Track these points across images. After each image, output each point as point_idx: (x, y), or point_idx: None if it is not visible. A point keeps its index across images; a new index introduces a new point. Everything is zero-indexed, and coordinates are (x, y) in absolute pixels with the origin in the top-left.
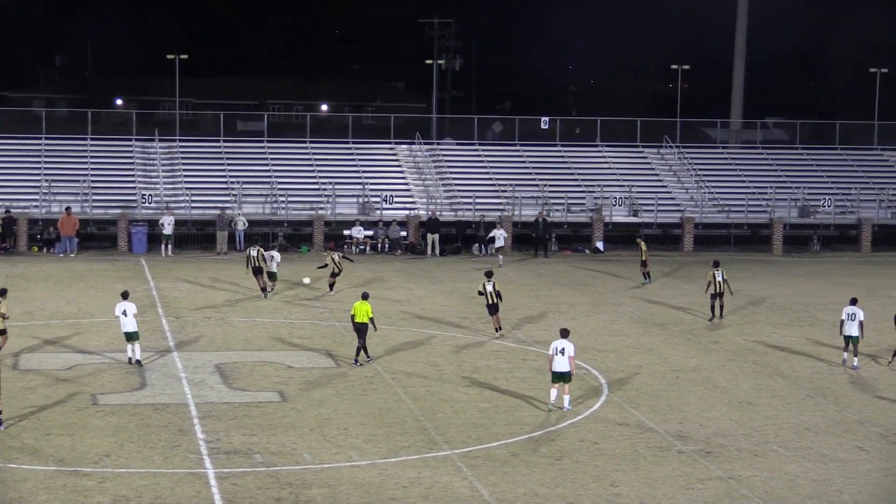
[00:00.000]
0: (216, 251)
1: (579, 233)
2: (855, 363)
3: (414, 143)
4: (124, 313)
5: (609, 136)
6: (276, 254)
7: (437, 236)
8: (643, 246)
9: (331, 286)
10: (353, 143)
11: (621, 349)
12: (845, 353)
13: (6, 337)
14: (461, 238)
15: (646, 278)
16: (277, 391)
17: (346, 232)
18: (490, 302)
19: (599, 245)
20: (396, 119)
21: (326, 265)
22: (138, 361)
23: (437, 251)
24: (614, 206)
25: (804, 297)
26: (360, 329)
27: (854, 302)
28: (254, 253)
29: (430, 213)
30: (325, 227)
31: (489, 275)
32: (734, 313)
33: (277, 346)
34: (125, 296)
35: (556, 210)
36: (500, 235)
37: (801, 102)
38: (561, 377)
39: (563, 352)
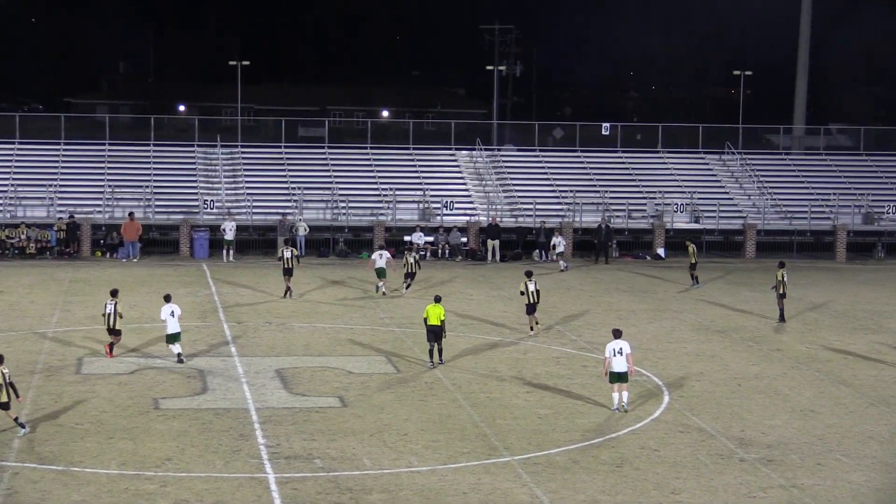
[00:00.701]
0: (277, 257)
1: (640, 239)
2: None
3: (474, 150)
4: (172, 314)
5: (670, 142)
6: (385, 252)
7: (497, 242)
8: (692, 249)
9: (407, 286)
10: (414, 149)
11: (682, 356)
12: None
13: (120, 336)
14: (521, 244)
15: (694, 282)
16: (337, 396)
17: (406, 238)
18: (530, 301)
19: (661, 251)
20: (457, 125)
21: (403, 266)
22: (181, 357)
23: (498, 257)
24: (675, 212)
25: (868, 305)
26: (434, 331)
27: None
28: (287, 254)
29: (490, 219)
30: (386, 234)
31: (529, 274)
32: (796, 320)
33: (338, 352)
34: (168, 298)
35: (617, 216)
36: (560, 242)
37: (865, 108)
38: (619, 377)
39: (620, 352)
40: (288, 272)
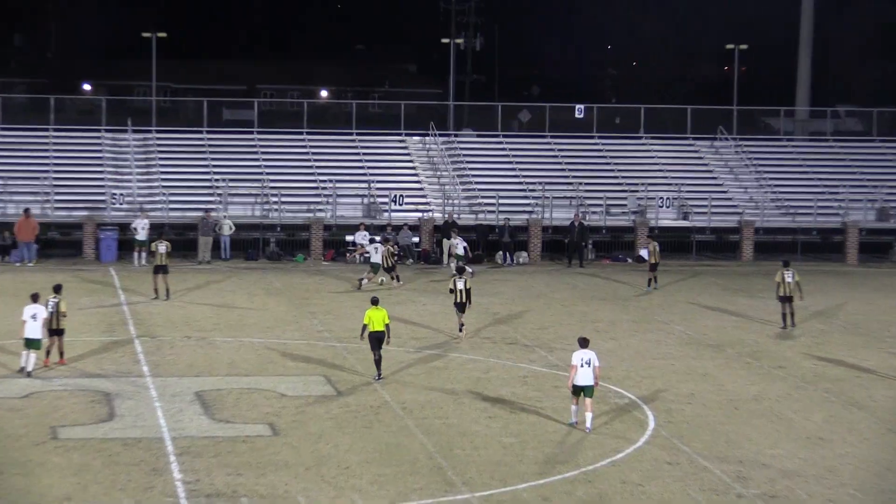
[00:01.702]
0: (198, 260)
1: (620, 239)
2: None
3: (428, 135)
4: (34, 317)
5: (654, 126)
6: (381, 247)
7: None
8: (654, 247)
9: (397, 277)
10: (357, 134)
11: (670, 374)
12: None
13: (62, 337)
14: (483, 245)
15: (649, 285)
16: (268, 423)
17: (348, 238)
18: (459, 300)
19: (643, 253)
20: (407, 107)
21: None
22: (29, 373)
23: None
24: (661, 207)
25: (883, 315)
26: (379, 338)
27: None
28: (162, 249)
29: (446, 215)
30: (325, 232)
31: (461, 271)
32: (801, 332)
33: (268, 371)
34: (35, 298)
35: (594, 212)
36: (459, 244)
37: (878, 88)
38: (584, 390)
39: (589, 363)
40: (161, 270)
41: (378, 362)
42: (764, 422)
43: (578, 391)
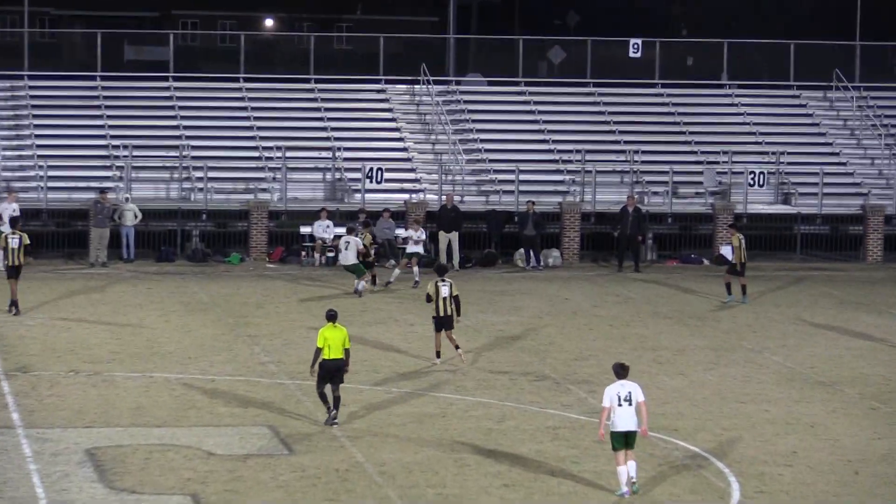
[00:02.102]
0: (90, 261)
1: (693, 231)
2: None
3: (418, 83)
4: None
5: (742, 70)
6: (353, 239)
7: (455, 236)
8: (739, 241)
9: (373, 279)
10: (317, 81)
11: (763, 425)
12: None
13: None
14: (497, 239)
15: (730, 293)
16: (190, 494)
17: (304, 230)
18: (441, 314)
19: (726, 251)
20: (389, 42)
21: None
22: None
23: (456, 260)
24: (752, 186)
25: None
26: (337, 369)
27: None
28: (13, 243)
29: (444, 198)
30: (271, 222)
31: (441, 271)
32: None
33: (190, 419)
34: None
35: (655, 194)
36: (418, 237)
37: None
38: (627, 438)
39: (629, 399)
40: (15, 273)
41: (337, 401)
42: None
43: (621, 442)
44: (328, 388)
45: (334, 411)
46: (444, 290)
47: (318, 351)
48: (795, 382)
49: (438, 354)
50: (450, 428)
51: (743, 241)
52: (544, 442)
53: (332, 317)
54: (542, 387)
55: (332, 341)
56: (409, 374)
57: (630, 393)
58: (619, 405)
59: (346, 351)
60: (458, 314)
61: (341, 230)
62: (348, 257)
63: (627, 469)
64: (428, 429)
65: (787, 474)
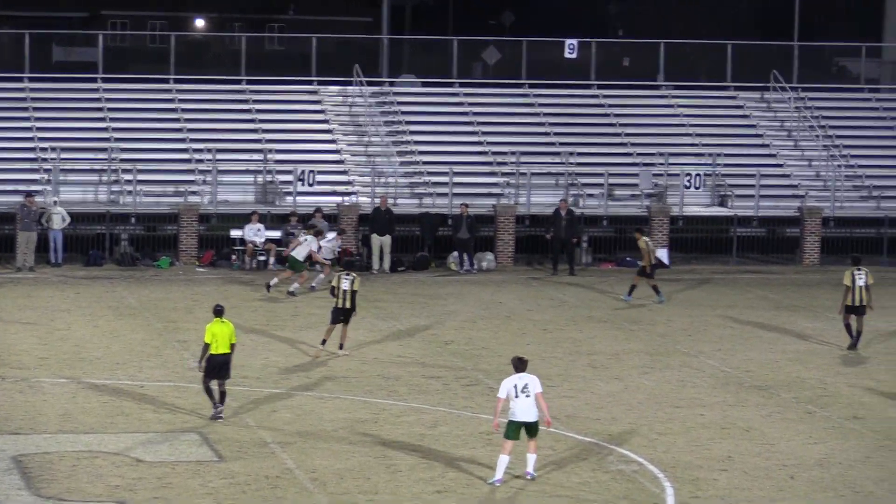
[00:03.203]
0: (16, 265)
1: (628, 234)
2: None
3: (350, 83)
4: None
5: (679, 71)
6: (311, 239)
7: (388, 239)
8: (646, 243)
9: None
10: (249, 82)
11: (698, 430)
12: None
13: None
14: (430, 243)
15: (660, 295)
16: (118, 501)
17: (235, 233)
18: (340, 306)
19: (662, 254)
20: (321, 43)
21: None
22: None
23: (387, 264)
24: (688, 188)
25: None
26: (224, 364)
27: None
28: None
29: (377, 200)
30: (201, 225)
31: (349, 266)
32: (887, 367)
33: (119, 426)
34: None
35: (591, 196)
36: (309, 240)
37: None
38: (529, 429)
39: (526, 390)
40: None
41: (223, 396)
42: (831, 497)
43: (516, 432)
44: (215, 384)
45: (220, 406)
46: (346, 284)
47: (206, 346)
48: (731, 386)
49: (324, 342)
50: (382, 433)
51: (650, 244)
52: (477, 447)
53: (218, 312)
54: (476, 391)
55: (219, 337)
56: (340, 378)
57: (527, 385)
58: (517, 396)
59: (233, 346)
60: (355, 309)
61: (274, 233)
62: (300, 252)
63: (507, 459)
64: (360, 434)
65: (722, 479)
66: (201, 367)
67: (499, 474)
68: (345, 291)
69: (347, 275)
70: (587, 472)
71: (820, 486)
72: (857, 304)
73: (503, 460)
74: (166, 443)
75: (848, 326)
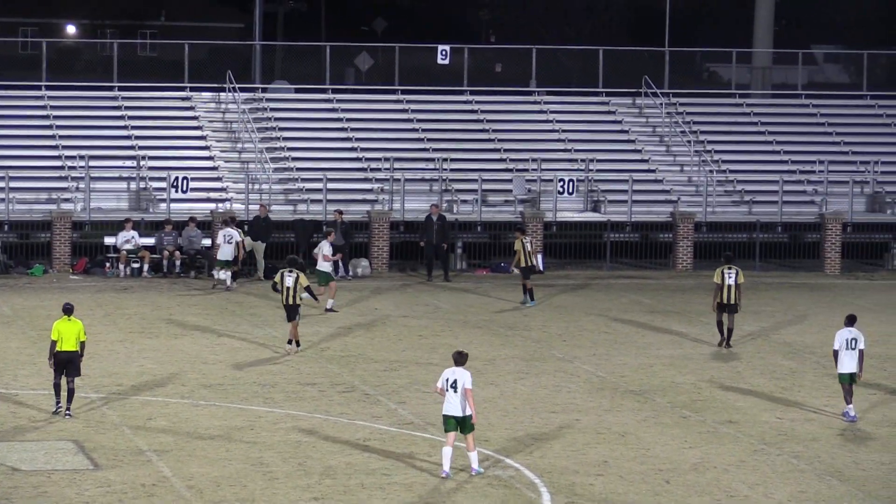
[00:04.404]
0: None
1: (503, 239)
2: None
3: (224, 90)
4: None
5: (551, 76)
6: (234, 233)
7: (261, 245)
8: (524, 244)
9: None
10: (121, 88)
11: (573, 434)
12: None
13: None
14: (305, 250)
15: (525, 295)
16: None
17: (108, 241)
18: (290, 302)
19: (538, 260)
20: (194, 49)
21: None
22: None
23: (261, 270)
24: (561, 194)
25: (881, 347)
26: (70, 361)
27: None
28: None
29: (258, 207)
30: (74, 233)
31: (292, 263)
32: (762, 370)
33: None
34: None
35: (464, 201)
36: (322, 246)
37: (869, 22)
38: (458, 424)
39: (454, 386)
40: None
41: (71, 394)
42: (707, 501)
43: (451, 424)
44: (64, 381)
45: (67, 403)
46: (289, 281)
47: (53, 343)
48: (606, 391)
49: (293, 342)
50: (258, 441)
51: (526, 244)
52: (354, 454)
53: (67, 310)
54: (352, 398)
55: (65, 334)
56: (215, 385)
57: (456, 380)
58: (447, 389)
59: (82, 344)
60: (300, 304)
61: (147, 240)
62: (324, 264)
63: (451, 451)
64: (236, 442)
65: (598, 484)
66: (51, 364)
67: (446, 466)
68: (288, 288)
69: (290, 272)
70: (463, 478)
71: (695, 490)
72: (727, 301)
73: (446, 452)
74: (42, 451)
75: (720, 324)
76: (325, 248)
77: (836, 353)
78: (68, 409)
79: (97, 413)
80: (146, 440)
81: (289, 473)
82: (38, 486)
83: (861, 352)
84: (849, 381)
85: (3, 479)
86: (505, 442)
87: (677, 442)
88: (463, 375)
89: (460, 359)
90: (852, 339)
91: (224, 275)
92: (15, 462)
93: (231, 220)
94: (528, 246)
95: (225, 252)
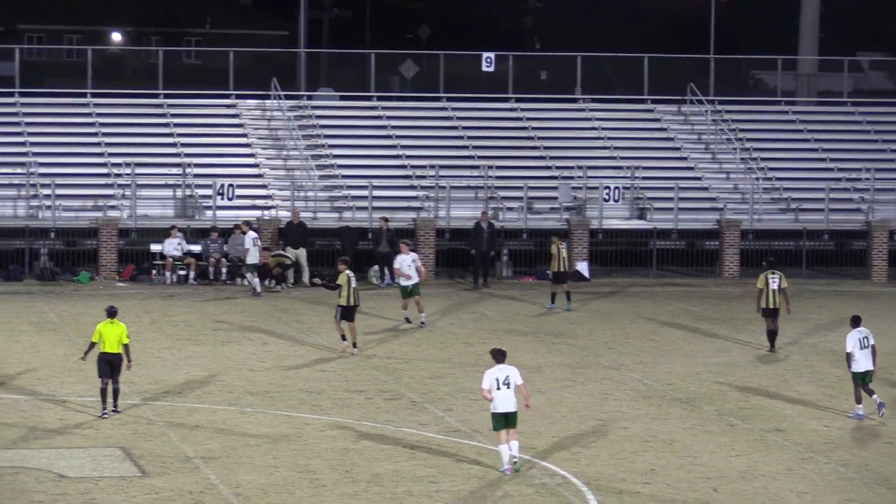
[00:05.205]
0: None
1: (548, 247)
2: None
3: (269, 97)
4: None
5: (597, 84)
6: (254, 236)
7: (303, 252)
8: (559, 249)
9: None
10: (166, 96)
11: (621, 443)
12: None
13: None
14: (350, 257)
15: (553, 301)
16: None
17: (154, 248)
18: (350, 303)
19: (582, 268)
20: (239, 57)
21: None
22: None
23: (306, 277)
24: (607, 201)
25: None
26: (112, 363)
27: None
28: None
29: (291, 214)
30: (121, 240)
31: (346, 262)
32: (807, 379)
33: (41, 441)
34: None
35: (510, 209)
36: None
37: None
38: (508, 419)
39: (507, 383)
40: None
41: (116, 393)
42: None
43: (502, 423)
44: (109, 384)
45: (113, 402)
46: (354, 281)
47: (92, 344)
48: (653, 399)
49: (344, 338)
50: (305, 448)
51: (563, 250)
52: (401, 461)
53: (111, 313)
54: (399, 405)
55: (107, 336)
56: (262, 392)
57: (508, 377)
58: (499, 388)
59: (125, 346)
60: (359, 304)
61: (194, 247)
62: (253, 257)
63: (509, 448)
64: (283, 449)
65: (646, 492)
66: (83, 358)
67: (506, 462)
68: (353, 289)
69: (348, 267)
70: (511, 485)
71: (743, 498)
72: (771, 306)
73: (503, 450)
74: (89, 458)
75: (770, 332)
76: (395, 262)
77: (849, 356)
78: (115, 406)
79: (144, 420)
80: (193, 447)
81: (336, 481)
82: (85, 492)
83: (873, 347)
84: (862, 379)
85: (50, 485)
86: (552, 450)
87: (725, 450)
88: (513, 371)
89: (502, 356)
90: (864, 338)
91: (255, 280)
92: (62, 469)
93: (248, 225)
94: (564, 251)
95: (254, 256)
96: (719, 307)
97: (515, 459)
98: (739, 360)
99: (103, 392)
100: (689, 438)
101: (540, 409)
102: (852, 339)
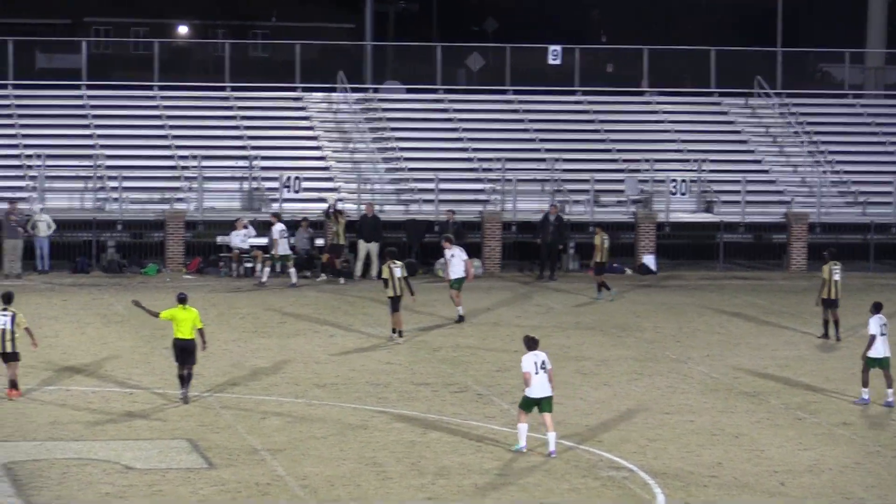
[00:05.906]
0: (4, 272)
1: (616, 240)
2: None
3: (335, 90)
4: None
5: (663, 76)
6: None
7: (375, 246)
8: (601, 240)
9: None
10: (233, 89)
11: (687, 436)
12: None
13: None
14: (417, 249)
15: (599, 291)
16: None
17: (221, 239)
18: (395, 294)
19: (649, 261)
20: (305, 49)
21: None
22: None
23: (375, 271)
24: (674, 194)
25: None
26: (187, 349)
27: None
28: None
29: (363, 207)
30: (187, 232)
31: (392, 255)
32: (875, 373)
33: (108, 433)
34: None
35: (577, 202)
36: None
37: None
38: (540, 404)
39: (544, 366)
40: None
41: (189, 377)
42: (822, 503)
43: (531, 406)
44: (184, 370)
45: (184, 390)
46: (398, 272)
47: (155, 315)
48: (720, 392)
49: (396, 332)
50: (372, 440)
51: (606, 241)
52: (467, 454)
53: (182, 299)
54: (465, 398)
55: (180, 321)
56: (328, 384)
57: (543, 361)
58: (536, 372)
59: (199, 331)
60: (412, 293)
61: (261, 240)
62: (455, 271)
63: (547, 440)
64: (350, 441)
65: (713, 485)
66: (136, 304)
67: (522, 441)
68: (399, 279)
69: (395, 263)
70: (577, 478)
71: (811, 492)
72: (832, 297)
73: (522, 429)
74: (156, 450)
75: (826, 323)
76: (462, 255)
77: (872, 338)
78: (186, 392)
79: (211, 412)
80: (260, 439)
81: (402, 473)
82: (152, 484)
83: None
84: (877, 365)
85: (118, 477)
86: (619, 443)
87: (792, 444)
88: (545, 357)
89: (535, 343)
90: (884, 325)
91: (266, 270)
92: (129, 461)
93: (276, 217)
94: (606, 242)
95: (284, 247)
96: (786, 300)
97: (552, 454)
98: (807, 353)
99: (181, 377)
100: (756, 432)
101: (607, 402)
102: (875, 324)
